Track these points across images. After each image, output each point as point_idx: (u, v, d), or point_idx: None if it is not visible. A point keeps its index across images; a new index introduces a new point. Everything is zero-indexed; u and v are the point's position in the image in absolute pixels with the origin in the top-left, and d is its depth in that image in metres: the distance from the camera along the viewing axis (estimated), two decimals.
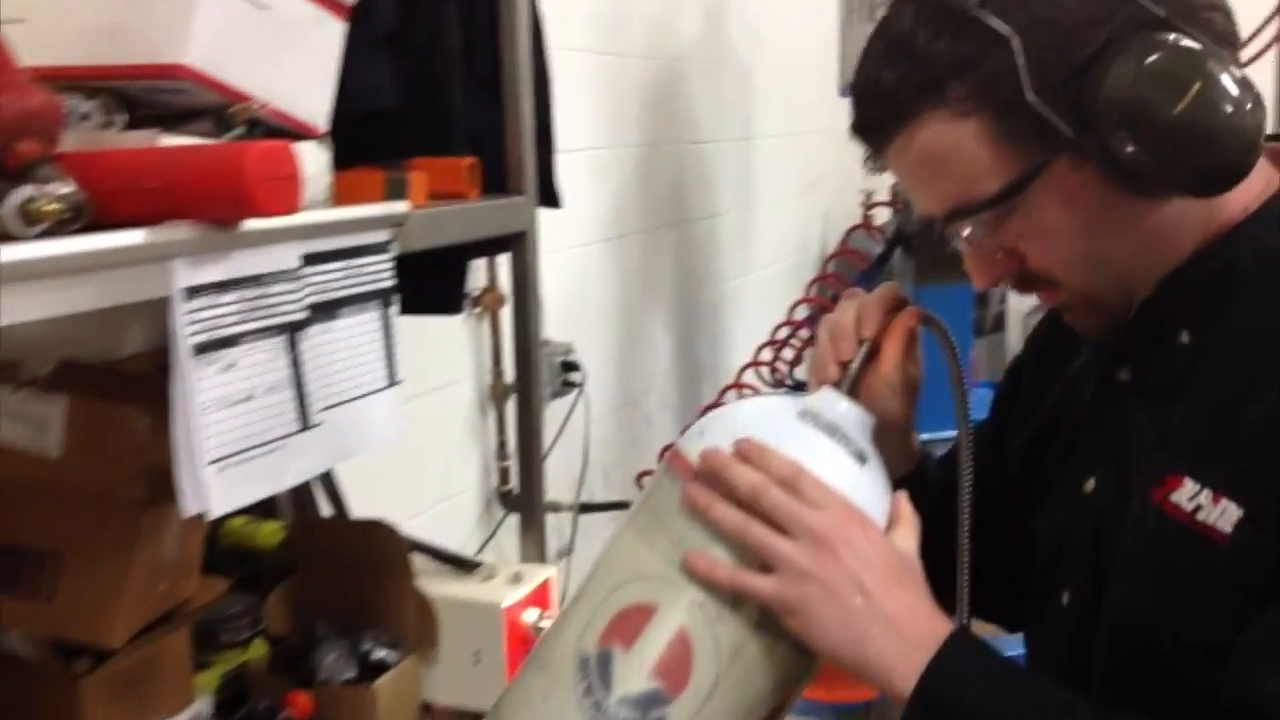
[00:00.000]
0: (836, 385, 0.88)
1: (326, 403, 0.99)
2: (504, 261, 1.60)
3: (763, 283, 3.63)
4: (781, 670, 0.81)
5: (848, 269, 3.40)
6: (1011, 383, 1.14)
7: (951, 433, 0.91)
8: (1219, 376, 0.86)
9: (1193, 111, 0.78)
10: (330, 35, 1.08)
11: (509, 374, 2.13)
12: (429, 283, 1.41)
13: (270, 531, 1.43)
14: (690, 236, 3.19)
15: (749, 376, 3.09)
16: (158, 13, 0.95)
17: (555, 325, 2.45)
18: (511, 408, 2.07)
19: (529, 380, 1.36)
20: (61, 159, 0.84)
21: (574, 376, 2.39)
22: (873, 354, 0.92)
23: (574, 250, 2.54)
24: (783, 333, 3.17)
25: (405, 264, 1.21)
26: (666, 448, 2.51)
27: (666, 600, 0.78)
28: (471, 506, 2.22)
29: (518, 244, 1.33)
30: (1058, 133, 0.81)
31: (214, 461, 0.87)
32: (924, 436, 1.07)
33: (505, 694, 0.86)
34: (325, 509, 1.58)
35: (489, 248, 1.39)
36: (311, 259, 0.97)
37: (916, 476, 1.01)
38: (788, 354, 3.16)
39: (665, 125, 2.93)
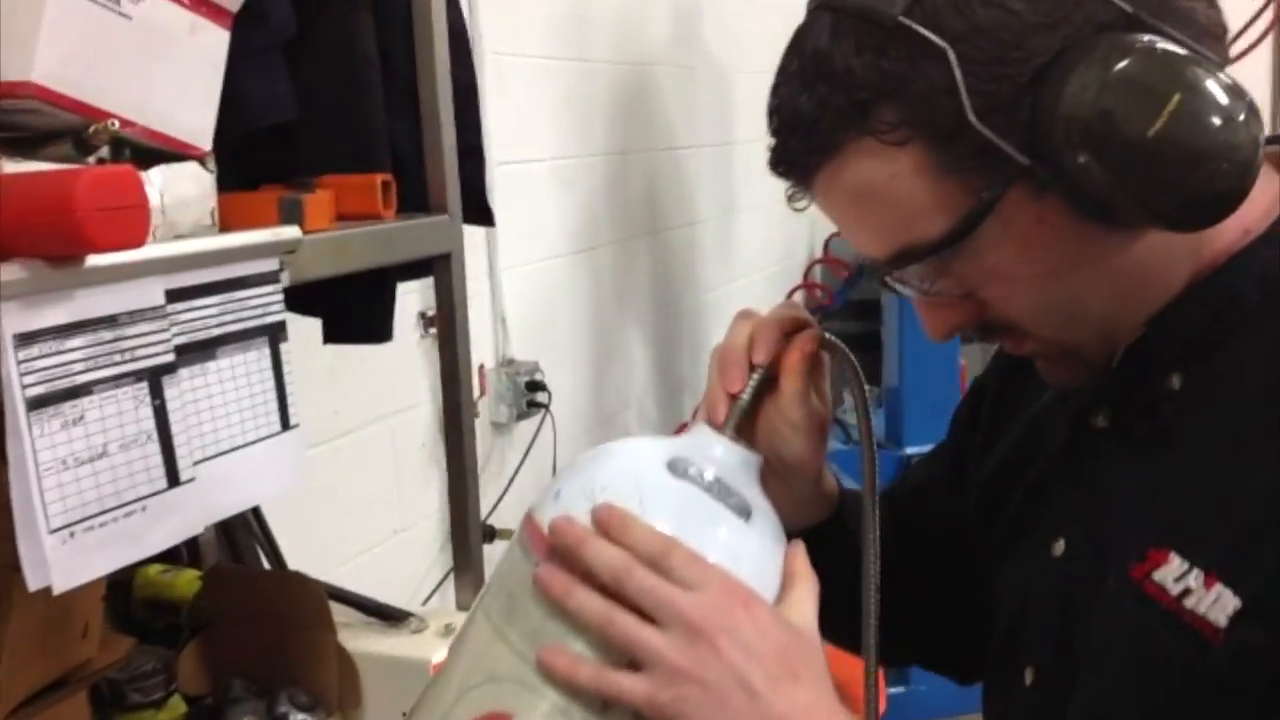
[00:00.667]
0: (720, 425, 0.76)
1: (202, 454, 0.89)
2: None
3: (746, 290, 3.54)
4: None
5: (830, 277, 3.30)
6: (974, 404, 0.99)
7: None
8: (1215, 431, 0.73)
9: (1171, 129, 0.65)
10: (211, 45, 0.98)
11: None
12: (353, 309, 1.32)
13: (189, 580, 1.33)
14: (667, 245, 3.10)
15: None
16: (1, 25, 0.85)
17: (520, 344, 2.36)
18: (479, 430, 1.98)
19: (457, 410, 1.25)
20: None
21: (540, 397, 2.30)
22: (770, 385, 0.79)
23: (540, 264, 2.45)
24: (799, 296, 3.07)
25: (325, 290, 1.12)
26: None
27: (523, 707, 0.66)
28: (434, 535, 2.13)
29: (441, 266, 1.23)
30: (1009, 160, 0.68)
31: (58, 530, 0.77)
32: (910, 450, 0.97)
33: None
34: (258, 550, 1.49)
35: (416, 270, 1.29)
36: (178, 294, 0.87)
37: (833, 522, 0.89)
38: None
39: (636, 132, 2.84)
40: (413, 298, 1.94)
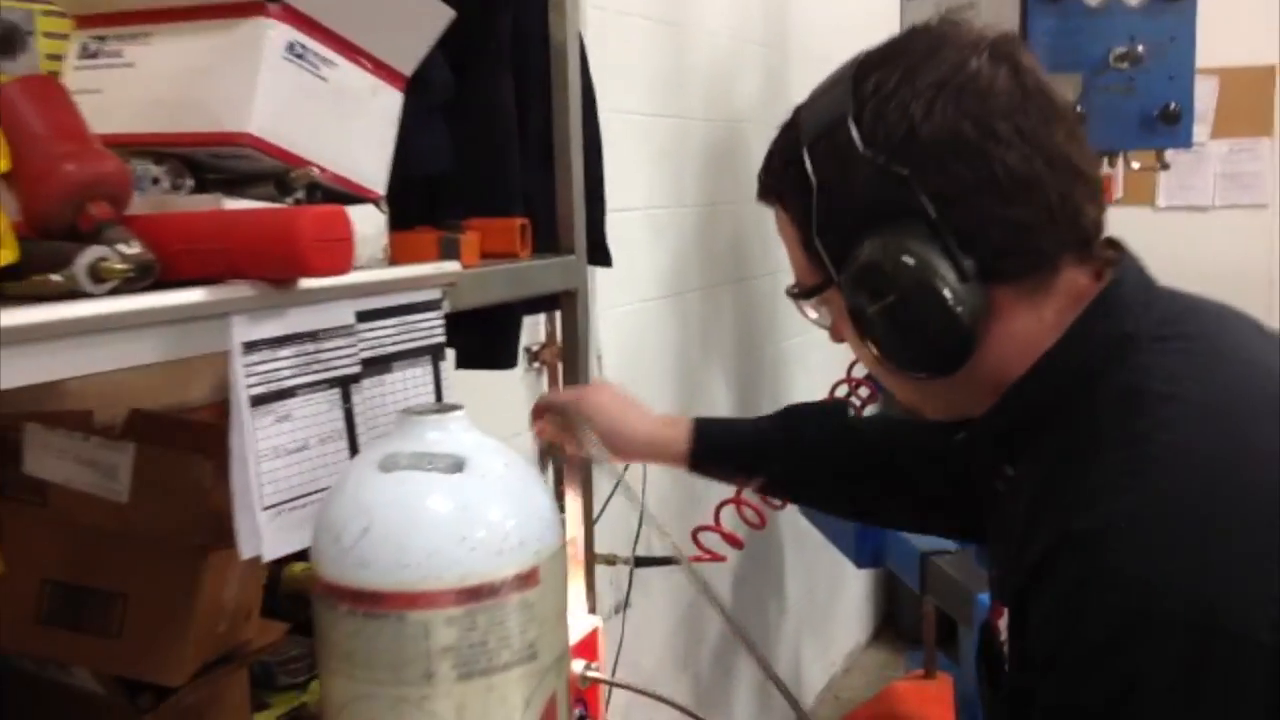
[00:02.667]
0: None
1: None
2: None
3: (824, 340, 3.63)
4: None
5: None
6: None
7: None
8: (1025, 510, 0.90)
9: (895, 311, 0.92)
10: (388, 104, 1.14)
11: None
12: (484, 338, 1.46)
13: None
14: (751, 293, 3.23)
15: None
16: (223, 84, 1.02)
17: (614, 379, 2.49)
18: None
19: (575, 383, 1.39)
20: (130, 221, 0.90)
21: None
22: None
23: (633, 306, 2.59)
24: (841, 390, 3.18)
25: (461, 320, 1.26)
26: (723, 503, 2.53)
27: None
28: None
29: (568, 301, 1.37)
30: (830, 276, 0.97)
31: (269, 508, 0.92)
32: None
33: None
34: None
35: (543, 304, 1.43)
36: (365, 315, 1.01)
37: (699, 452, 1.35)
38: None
39: (725, 185, 2.98)
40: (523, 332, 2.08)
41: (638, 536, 2.45)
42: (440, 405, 0.88)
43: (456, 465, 0.81)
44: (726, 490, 2.90)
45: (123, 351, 0.85)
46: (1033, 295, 0.93)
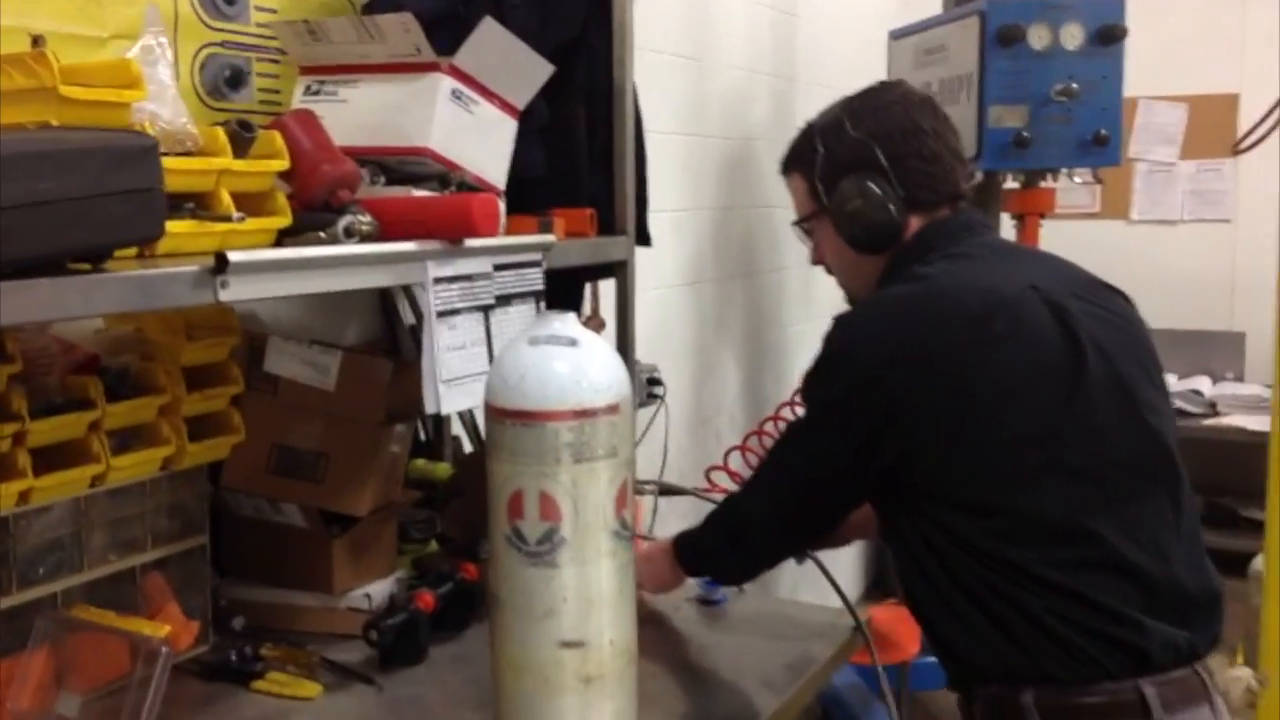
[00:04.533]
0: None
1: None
2: (605, 293, 2.20)
3: (821, 329, 4.19)
4: None
5: None
6: None
7: None
8: None
9: (861, 213, 1.60)
10: (509, 130, 1.70)
11: None
12: (561, 293, 2.01)
13: (443, 469, 2.03)
14: (758, 286, 3.77)
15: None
16: (411, 116, 1.57)
17: (644, 349, 3.04)
18: None
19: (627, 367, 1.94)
20: (361, 201, 1.46)
21: (657, 390, 2.98)
22: None
23: (659, 291, 3.14)
24: None
25: (549, 279, 1.81)
26: (730, 449, 3.07)
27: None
28: None
29: (620, 269, 1.93)
30: (823, 203, 1.65)
31: (445, 381, 1.47)
32: None
33: None
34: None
35: (601, 272, 1.99)
36: (499, 267, 1.57)
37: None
38: None
39: (738, 192, 3.53)
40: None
41: (661, 475, 2.99)
42: (561, 311, 1.40)
43: (572, 342, 1.33)
44: (735, 439, 3.44)
45: (365, 278, 1.40)
46: (920, 220, 1.62)
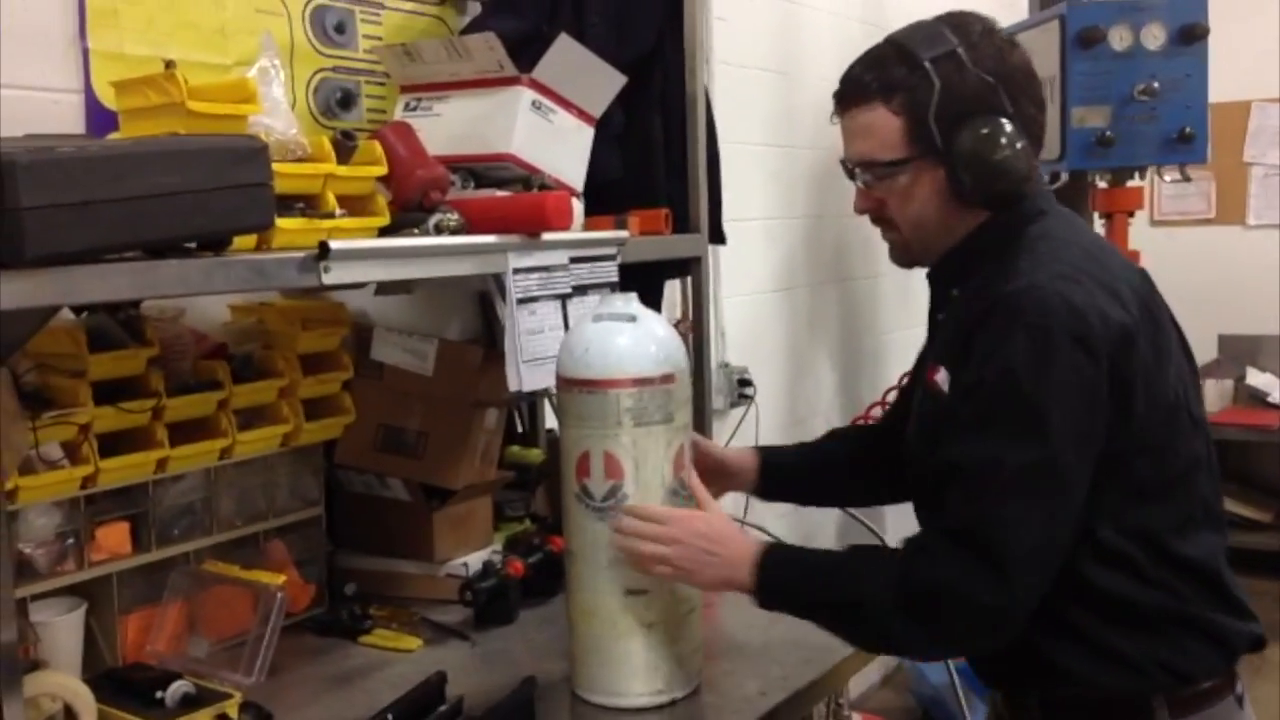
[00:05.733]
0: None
1: None
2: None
3: (920, 336, 4.26)
4: None
5: None
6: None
7: None
8: (960, 311, 1.42)
9: (985, 163, 1.37)
10: (585, 137, 1.86)
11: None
12: (639, 288, 2.16)
13: (535, 454, 2.19)
14: (853, 292, 3.87)
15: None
16: (495, 125, 1.75)
17: (736, 352, 3.18)
18: None
19: (701, 360, 2.08)
20: (450, 202, 1.63)
21: (748, 390, 3.11)
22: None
23: (751, 296, 3.28)
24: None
25: (628, 277, 1.96)
26: None
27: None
28: None
29: (695, 265, 2.07)
30: (934, 146, 1.40)
31: (525, 362, 1.63)
32: None
33: None
34: None
35: (678, 269, 2.13)
36: (575, 260, 1.72)
37: (763, 481, 1.72)
38: None
39: (830, 200, 3.65)
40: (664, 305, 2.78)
41: None
42: (625, 293, 1.53)
43: (632, 318, 1.47)
44: None
45: (452, 267, 1.57)
46: None
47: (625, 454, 1.44)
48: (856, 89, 1.45)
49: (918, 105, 1.40)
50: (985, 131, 1.38)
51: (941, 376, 1.39)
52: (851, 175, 1.52)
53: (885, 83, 1.42)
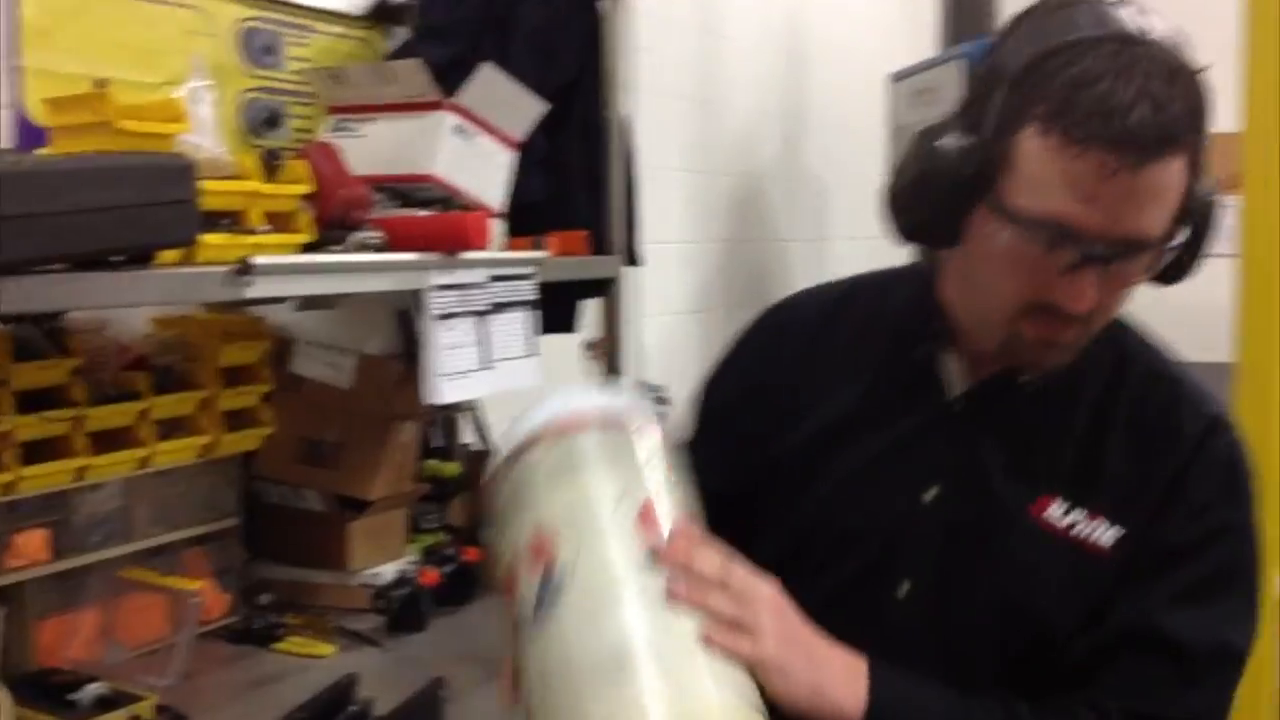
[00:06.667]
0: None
1: (496, 357, 1.80)
2: None
3: None
4: None
5: None
6: (754, 400, 1.34)
7: None
8: (1064, 422, 1.13)
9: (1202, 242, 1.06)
10: (506, 160, 1.93)
11: None
12: (557, 311, 2.23)
13: (451, 468, 2.24)
14: None
15: None
16: (419, 147, 1.81)
17: (654, 370, 3.26)
18: None
19: (617, 372, 2.15)
20: (373, 220, 1.69)
21: (663, 408, 3.19)
22: None
23: (667, 317, 3.36)
24: None
25: (545, 296, 2.02)
26: None
27: None
28: None
29: (610, 285, 2.15)
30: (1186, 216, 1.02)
31: (440, 375, 1.68)
32: None
33: None
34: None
35: (595, 289, 2.20)
36: (495, 278, 1.79)
37: None
38: None
39: (747, 226, 3.76)
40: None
41: None
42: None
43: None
44: None
45: (372, 283, 1.63)
46: None
47: (550, 528, 0.97)
48: (1173, 132, 0.96)
49: (1197, 166, 1.01)
50: (1212, 201, 1.05)
51: (1102, 530, 1.11)
52: (1107, 262, 1.00)
53: (1197, 127, 0.99)
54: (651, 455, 1.03)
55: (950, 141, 1.04)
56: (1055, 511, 1.11)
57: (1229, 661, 1.08)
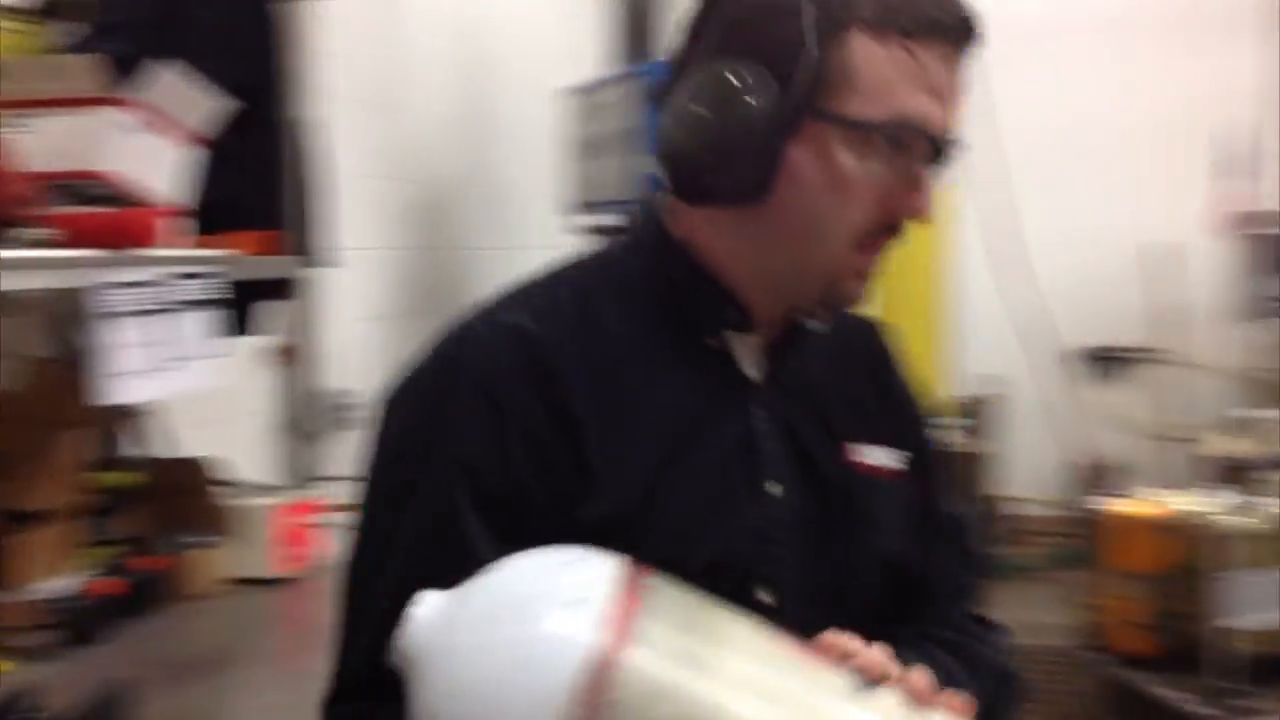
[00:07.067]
0: None
1: (174, 355, 1.76)
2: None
3: None
4: None
5: None
6: (538, 454, 1.01)
7: None
8: (817, 366, 1.11)
9: None
10: (185, 157, 1.89)
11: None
12: (239, 307, 2.19)
13: (130, 478, 2.16)
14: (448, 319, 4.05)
15: None
16: (90, 142, 1.75)
17: (350, 376, 3.23)
18: None
19: (307, 380, 2.15)
20: (45, 217, 1.62)
21: (351, 413, 3.17)
22: None
23: (357, 322, 3.36)
24: None
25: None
26: None
27: None
28: None
29: (296, 287, 2.15)
30: None
31: (111, 375, 1.63)
32: None
33: None
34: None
35: (279, 290, 2.19)
36: (178, 275, 1.75)
37: None
38: None
39: (436, 232, 3.81)
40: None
41: None
42: None
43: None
44: None
45: (40, 280, 1.57)
46: None
47: None
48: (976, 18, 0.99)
49: None
50: None
51: (895, 456, 1.13)
52: (948, 158, 1.01)
53: None
54: (674, 605, 0.84)
55: (747, 80, 0.93)
56: (864, 454, 1.10)
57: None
